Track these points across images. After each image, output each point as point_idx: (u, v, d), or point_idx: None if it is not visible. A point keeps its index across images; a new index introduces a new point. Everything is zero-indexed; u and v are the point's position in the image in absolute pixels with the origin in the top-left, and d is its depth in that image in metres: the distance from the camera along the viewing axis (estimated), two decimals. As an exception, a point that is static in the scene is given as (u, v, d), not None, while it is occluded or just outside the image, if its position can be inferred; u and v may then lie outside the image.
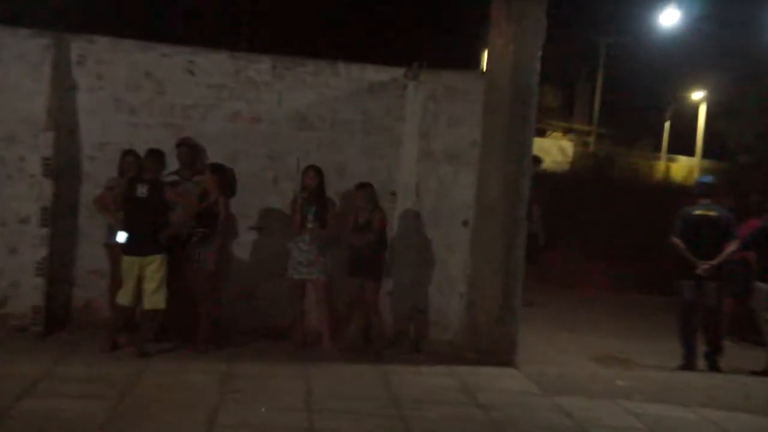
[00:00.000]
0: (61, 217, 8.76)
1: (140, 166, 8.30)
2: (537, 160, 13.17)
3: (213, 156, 8.94)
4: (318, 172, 8.67)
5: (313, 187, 8.59)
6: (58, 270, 8.74)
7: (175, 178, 8.67)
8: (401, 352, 8.88)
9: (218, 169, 8.43)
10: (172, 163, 8.68)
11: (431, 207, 9.37)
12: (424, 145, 9.37)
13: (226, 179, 8.45)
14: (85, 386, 6.86)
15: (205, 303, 8.33)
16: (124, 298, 7.99)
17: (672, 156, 33.12)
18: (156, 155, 8.17)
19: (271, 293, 9.25)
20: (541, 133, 29.54)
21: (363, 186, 8.70)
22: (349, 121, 9.36)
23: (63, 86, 8.77)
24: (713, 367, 9.27)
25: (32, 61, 8.67)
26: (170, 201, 8.10)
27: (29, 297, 8.47)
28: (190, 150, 8.80)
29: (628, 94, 29.89)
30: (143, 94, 9.03)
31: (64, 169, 8.76)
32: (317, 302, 8.74)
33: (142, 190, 7.98)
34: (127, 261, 7.97)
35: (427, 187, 9.38)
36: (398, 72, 9.38)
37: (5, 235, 8.69)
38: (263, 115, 9.24)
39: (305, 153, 9.25)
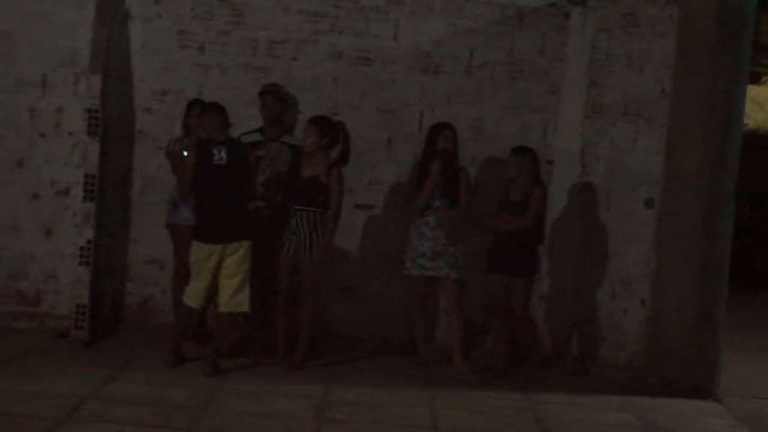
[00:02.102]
0: (108, 188, 9.17)
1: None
2: None
3: (307, 109, 9.18)
4: (450, 131, 8.80)
5: (443, 152, 8.73)
6: (105, 258, 9.17)
7: (257, 137, 8.94)
8: (559, 376, 8.99)
9: (324, 126, 8.58)
10: (255, 118, 8.97)
11: (602, 181, 9.41)
12: (593, 95, 9.41)
13: (336, 139, 8.62)
14: (143, 410, 7.12)
15: (309, 305, 8.59)
16: (194, 297, 8.25)
17: None
18: (218, 110, 8.28)
19: (383, 293, 9.50)
20: (755, 79, 28.80)
21: (521, 151, 8.79)
22: (491, 62, 9.48)
23: (112, 15, 9.14)
24: None
25: (74, -19, 9.09)
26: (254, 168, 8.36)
27: (70, 293, 8.91)
28: (277, 100, 9.02)
29: None
30: (215, 24, 9.35)
31: (112, 125, 9.17)
32: (446, 307, 8.90)
33: (220, 155, 8.20)
34: (203, 250, 8.16)
35: (596, 154, 9.43)
36: (558, -6, 9.47)
37: (38, 211, 9.16)
38: (374, 55, 9.44)
39: (430, 106, 9.42)
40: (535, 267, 8.89)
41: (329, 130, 8.54)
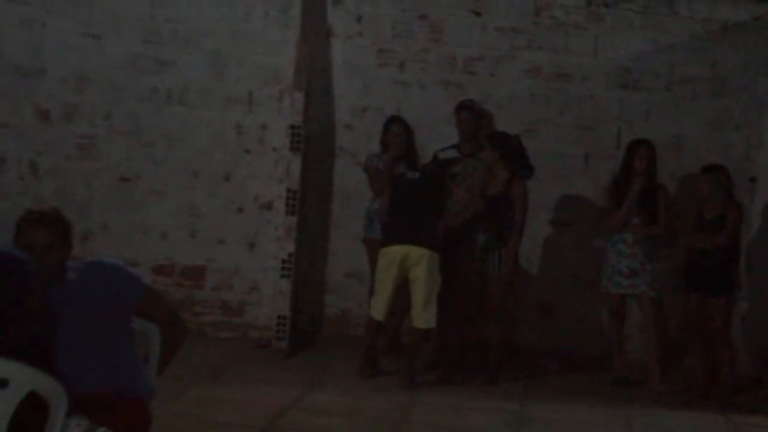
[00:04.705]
0: (309, 202, 9.40)
1: (408, 139, 8.76)
2: None
3: (503, 126, 9.23)
4: (649, 148, 8.67)
5: (642, 170, 8.62)
6: (306, 271, 9.41)
7: (453, 153, 9.01)
8: (760, 401, 8.73)
9: (498, 139, 8.60)
10: (452, 135, 9.04)
11: (807, 200, 9.19)
12: (800, 111, 9.18)
13: (512, 153, 8.62)
14: (342, 421, 7.28)
15: (499, 320, 8.62)
16: (378, 309, 8.35)
17: None
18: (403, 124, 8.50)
19: (578, 310, 9.45)
20: None
21: (713, 169, 8.59)
22: (692, 77, 9.35)
23: (315, 33, 9.38)
24: None
25: (280, 1, 9.34)
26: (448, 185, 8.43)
27: (272, 304, 9.16)
28: (472, 116, 9.06)
29: None
30: (415, 42, 9.49)
31: (314, 140, 9.40)
32: (643, 325, 8.78)
33: (413, 172, 8.37)
34: (386, 256, 8.26)
35: (802, 172, 9.19)
36: (764, 8, 9.22)
37: (242, 224, 9.45)
38: (573, 70, 9.42)
39: (629, 122, 9.35)
40: (735, 286, 8.66)
41: (503, 143, 8.55)
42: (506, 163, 8.49)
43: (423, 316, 8.26)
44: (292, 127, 9.00)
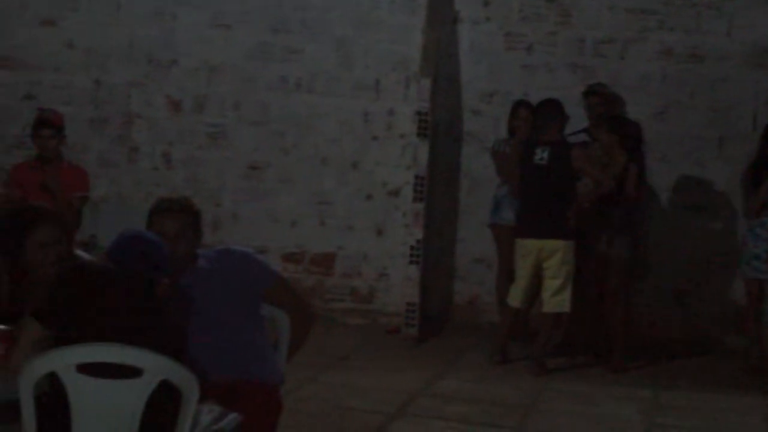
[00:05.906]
0: (437, 189, 9.35)
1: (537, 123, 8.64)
2: None
3: (634, 110, 9.08)
4: (789, 130, 8.44)
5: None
6: (434, 257, 9.36)
7: (583, 137, 8.85)
8: None
9: (615, 123, 8.49)
10: (582, 118, 8.88)
11: None
12: None
13: (630, 138, 8.49)
14: (471, 408, 7.25)
15: (618, 306, 8.50)
16: (516, 297, 8.30)
17: None
18: (555, 108, 8.35)
19: (713, 296, 9.22)
20: None
21: None
22: (833, 56, 9.03)
23: (442, 19, 9.31)
24: None
25: (407, -13, 9.31)
26: (578, 170, 8.31)
27: (401, 291, 9.15)
28: (601, 100, 8.90)
29: None
30: (543, 25, 9.34)
31: (441, 126, 9.35)
32: (781, 312, 8.56)
33: (541, 155, 8.23)
34: (522, 247, 8.22)
35: None
36: None
37: (371, 211, 9.46)
38: (706, 51, 9.17)
39: (766, 103, 9.05)
40: None
41: (619, 127, 8.45)
42: (623, 147, 8.38)
43: (553, 300, 8.20)
44: (419, 113, 8.96)
